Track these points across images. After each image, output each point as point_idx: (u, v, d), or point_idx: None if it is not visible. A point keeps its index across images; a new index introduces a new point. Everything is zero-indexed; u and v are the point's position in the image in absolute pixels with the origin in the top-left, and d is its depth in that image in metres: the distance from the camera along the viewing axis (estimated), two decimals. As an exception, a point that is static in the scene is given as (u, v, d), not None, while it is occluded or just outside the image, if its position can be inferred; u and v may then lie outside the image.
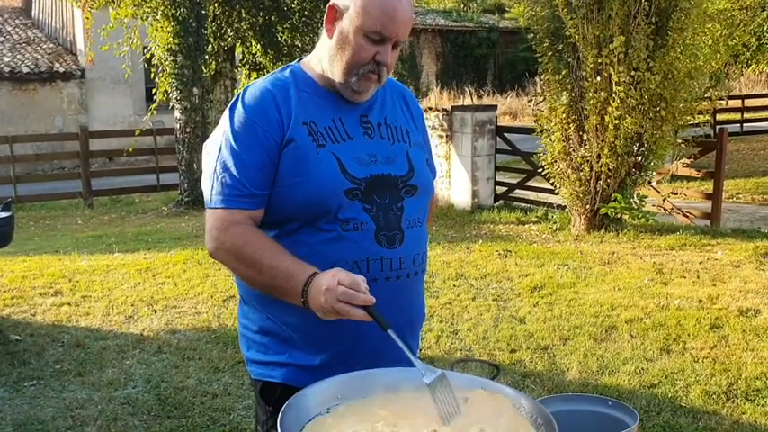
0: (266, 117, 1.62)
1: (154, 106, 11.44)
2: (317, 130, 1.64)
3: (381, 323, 1.45)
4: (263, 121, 1.62)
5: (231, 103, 1.69)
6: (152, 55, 11.32)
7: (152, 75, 11.58)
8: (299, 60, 1.77)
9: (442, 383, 1.40)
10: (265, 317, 1.71)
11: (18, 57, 17.37)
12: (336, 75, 1.64)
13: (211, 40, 11.53)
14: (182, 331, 5.01)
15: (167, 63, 11.12)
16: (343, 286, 1.44)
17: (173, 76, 11.14)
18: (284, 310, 1.65)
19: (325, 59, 1.66)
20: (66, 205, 12.14)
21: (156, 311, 5.45)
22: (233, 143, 1.62)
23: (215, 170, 1.63)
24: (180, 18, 10.86)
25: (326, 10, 1.63)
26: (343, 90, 1.66)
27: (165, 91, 11.35)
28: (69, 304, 5.64)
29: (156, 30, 10.99)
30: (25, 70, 16.83)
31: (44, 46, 18.42)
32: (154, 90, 11.64)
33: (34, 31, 19.54)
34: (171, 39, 10.91)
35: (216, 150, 1.65)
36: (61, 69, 17.30)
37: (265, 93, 1.65)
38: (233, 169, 1.60)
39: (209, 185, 1.64)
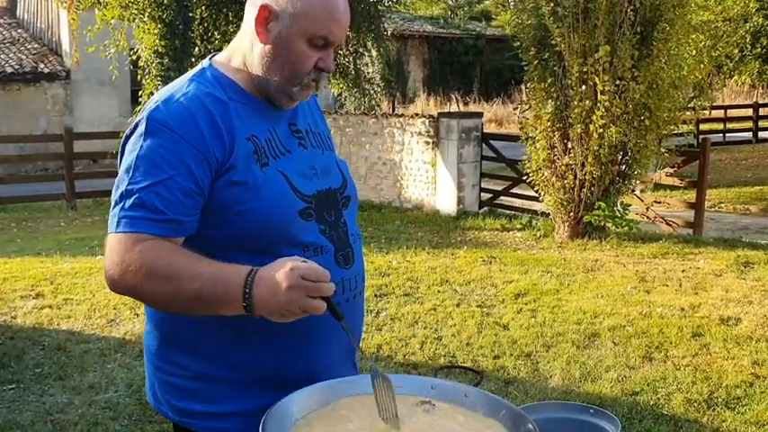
0: (199, 133, 1.38)
1: (139, 108, 11.37)
2: (260, 144, 1.45)
3: (337, 313, 1.36)
4: (194, 138, 1.37)
5: (151, 109, 1.40)
6: (138, 57, 11.27)
7: (138, 77, 11.52)
8: (210, 58, 1.54)
9: (384, 384, 1.37)
10: (207, 359, 1.47)
11: (2, 56, 17.20)
12: (274, 83, 1.46)
13: (198, 42, 11.48)
14: (164, 335, 4.97)
15: (153, 65, 11.06)
16: (308, 281, 1.28)
17: (159, 78, 11.07)
18: (236, 350, 1.46)
19: (256, 65, 1.47)
20: (50, 207, 12.03)
21: (138, 315, 5.40)
22: (152, 161, 1.35)
23: (124, 192, 1.36)
24: (167, 20, 10.82)
25: (258, 10, 1.43)
26: (279, 97, 1.48)
27: (151, 93, 11.29)
28: (51, 307, 5.58)
29: (143, 32, 10.94)
30: (9, 70, 16.66)
31: (29, 46, 18.26)
32: (140, 92, 11.58)
33: (19, 30, 19.38)
34: (157, 41, 10.87)
35: (128, 168, 1.37)
36: (46, 70, 17.15)
37: (197, 104, 1.40)
38: (148, 190, 1.34)
39: (116, 210, 1.36)
